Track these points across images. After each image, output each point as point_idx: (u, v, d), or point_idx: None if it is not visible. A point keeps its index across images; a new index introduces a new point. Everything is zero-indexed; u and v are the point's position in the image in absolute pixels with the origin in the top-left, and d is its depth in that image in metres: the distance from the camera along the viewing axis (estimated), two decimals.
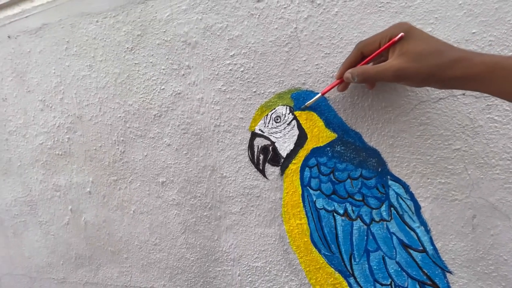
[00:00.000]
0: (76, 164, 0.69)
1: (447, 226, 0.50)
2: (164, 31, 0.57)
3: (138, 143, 0.63)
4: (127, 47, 0.60)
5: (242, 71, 0.53)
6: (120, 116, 0.63)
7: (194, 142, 0.59)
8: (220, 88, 0.55)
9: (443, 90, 0.45)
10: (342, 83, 0.45)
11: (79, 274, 0.77)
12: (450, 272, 0.52)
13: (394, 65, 0.33)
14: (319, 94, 0.49)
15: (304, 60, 0.50)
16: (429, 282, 0.53)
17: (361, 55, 0.40)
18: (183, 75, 0.56)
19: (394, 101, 0.48)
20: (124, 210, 0.68)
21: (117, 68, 0.62)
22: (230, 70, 0.53)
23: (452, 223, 0.50)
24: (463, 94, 0.45)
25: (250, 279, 0.63)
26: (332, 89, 0.47)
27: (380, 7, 0.46)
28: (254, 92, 0.53)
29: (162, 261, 0.68)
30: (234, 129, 0.56)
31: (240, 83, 0.53)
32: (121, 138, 0.64)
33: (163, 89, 0.58)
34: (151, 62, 0.58)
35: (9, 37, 0.68)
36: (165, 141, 0.61)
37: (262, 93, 0.53)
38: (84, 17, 0.62)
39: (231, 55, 0.53)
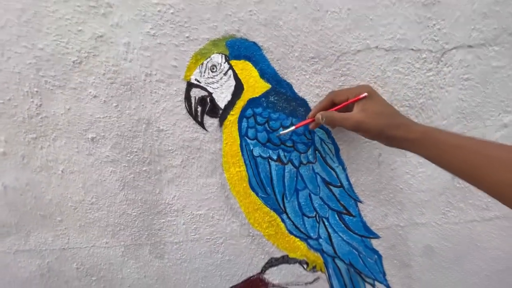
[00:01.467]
0: None
1: (359, 164, 0.60)
2: None
3: (57, 94, 0.56)
4: None
5: (172, 13, 0.49)
6: (31, 63, 0.54)
7: (124, 93, 0.55)
8: (148, 32, 0.50)
9: (361, 42, 0.50)
10: (313, 122, 0.49)
11: (7, 243, 0.71)
12: (361, 202, 0.64)
13: (355, 117, 0.41)
14: (293, 127, 0.51)
15: (238, 5, 0.49)
16: (345, 212, 0.64)
17: (331, 102, 0.47)
18: (103, 14, 0.49)
19: (320, 52, 0.52)
20: (51, 170, 0.62)
21: (19, 3, 0.51)
22: (159, 11, 0.49)
23: (363, 161, 0.60)
24: (376, 47, 0.51)
25: (194, 226, 0.67)
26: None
27: None
28: (187, 37, 0.51)
29: (101, 220, 0.67)
30: (167, 78, 0.53)
31: (171, 27, 0.50)
32: (35, 89, 0.56)
33: (81, 30, 0.51)
34: None
35: None
36: (90, 92, 0.55)
37: (196, 39, 0.51)
38: None
39: None
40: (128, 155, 0.60)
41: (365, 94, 0.42)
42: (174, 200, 0.65)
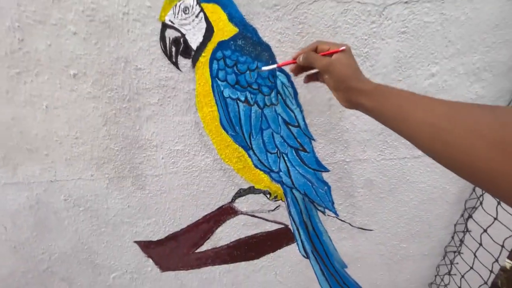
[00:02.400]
0: None
1: (313, 107, 0.70)
2: None
3: (38, 30, 0.59)
4: None
5: None
6: None
7: (103, 31, 0.60)
8: None
9: None
10: (295, 63, 0.53)
11: None
12: (314, 140, 0.75)
13: (327, 60, 0.47)
14: (275, 65, 0.55)
15: None
16: (301, 148, 0.76)
17: (314, 50, 0.50)
18: None
19: (282, 0, 0.59)
20: (35, 105, 0.67)
21: None
22: None
23: (317, 104, 0.70)
24: None
25: (172, 160, 0.76)
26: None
27: None
28: None
29: (86, 153, 0.74)
30: (143, 18, 0.59)
31: None
32: (17, 24, 0.59)
33: None
34: None
35: None
36: (70, 28, 0.59)
37: None
38: None
39: None
40: (109, 92, 0.66)
41: (344, 47, 0.47)
42: (153, 136, 0.73)
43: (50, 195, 0.80)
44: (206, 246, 0.94)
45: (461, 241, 0.92)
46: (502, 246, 0.76)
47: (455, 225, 0.92)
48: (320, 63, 0.48)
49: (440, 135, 0.32)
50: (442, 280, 1.02)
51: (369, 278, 1.04)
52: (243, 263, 0.98)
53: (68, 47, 0.61)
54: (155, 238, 0.90)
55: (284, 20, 0.60)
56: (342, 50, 0.47)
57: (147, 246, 0.92)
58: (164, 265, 0.97)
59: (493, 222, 0.77)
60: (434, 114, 0.33)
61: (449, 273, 1.00)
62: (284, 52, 0.63)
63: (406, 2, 0.60)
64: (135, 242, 0.91)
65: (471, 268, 0.85)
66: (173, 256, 0.94)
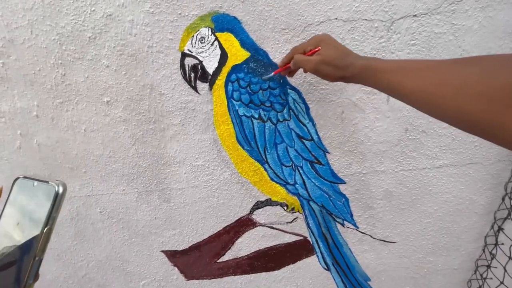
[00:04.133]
0: (16, 89, 0.72)
1: (326, 120, 0.72)
2: None
3: (78, 65, 0.69)
4: None
5: None
6: (54, 39, 0.66)
7: (131, 63, 0.67)
8: (148, 10, 0.62)
9: (322, 14, 0.60)
10: (288, 68, 0.58)
11: None
12: (328, 152, 0.76)
13: (315, 59, 0.50)
14: (272, 73, 0.62)
15: None
16: (315, 161, 0.77)
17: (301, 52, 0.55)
18: None
19: (290, 24, 0.62)
20: (75, 129, 0.77)
21: None
22: None
23: (329, 118, 0.72)
24: (336, 19, 0.61)
25: (194, 175, 0.82)
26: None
27: None
28: (179, 14, 0.62)
29: (118, 171, 0.82)
30: (165, 49, 0.65)
31: (166, 5, 0.61)
32: (59, 61, 0.68)
33: (94, 10, 0.62)
34: None
35: None
36: (104, 62, 0.68)
37: (187, 15, 0.62)
38: None
39: None
40: (137, 115, 0.74)
41: (319, 48, 0.51)
42: (176, 153, 0.79)
43: (88, 208, 0.89)
44: (228, 257, 0.98)
45: (492, 254, 0.87)
46: None
47: (485, 237, 0.87)
48: (310, 64, 0.51)
49: (431, 99, 0.33)
50: None
51: None
52: (264, 273, 1.00)
53: (102, 78, 0.70)
54: (180, 248, 0.96)
55: (293, 41, 0.64)
56: (318, 50, 0.51)
57: (173, 255, 0.98)
58: (189, 274, 1.02)
59: None
60: (423, 82, 0.35)
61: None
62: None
63: (415, 15, 0.60)
64: (162, 251, 0.97)
65: (501, 283, 0.80)
66: (196, 265, 0.99)
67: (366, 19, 0.61)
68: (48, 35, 0.66)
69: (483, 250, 0.90)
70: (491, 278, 0.90)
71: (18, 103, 0.74)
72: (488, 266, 0.90)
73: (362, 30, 0.62)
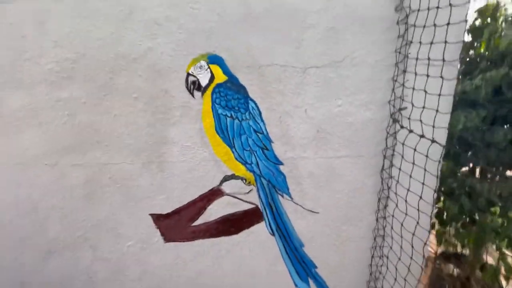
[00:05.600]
0: (76, 84, 1.13)
1: (271, 121, 1.18)
2: None
3: (122, 73, 1.12)
4: None
5: (184, 41, 1.09)
6: (112, 56, 1.10)
7: (156, 76, 1.12)
8: (173, 48, 1.09)
9: (269, 59, 1.12)
10: None
11: (69, 158, 1.21)
12: (273, 142, 1.21)
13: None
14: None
15: (215, 41, 1.09)
16: (265, 148, 1.21)
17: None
18: (153, 38, 1.08)
19: (250, 64, 1.12)
20: (109, 114, 1.16)
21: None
22: (178, 39, 1.09)
23: (273, 120, 1.18)
24: (276, 64, 1.12)
25: (183, 153, 1.21)
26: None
27: None
28: (190, 52, 1.10)
29: (131, 145, 1.19)
30: (179, 70, 1.12)
31: (183, 47, 1.09)
32: (111, 70, 1.12)
33: (140, 44, 1.09)
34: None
35: None
36: (139, 73, 1.12)
37: (193, 53, 1.10)
38: None
39: (178, 32, 1.09)
40: (153, 108, 1.16)
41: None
42: (174, 136, 1.19)
43: (101, 174, 1.23)
44: (199, 221, 1.31)
45: (383, 225, 1.29)
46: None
47: (376, 212, 1.30)
48: None
49: None
50: (377, 263, 1.34)
51: (322, 257, 1.36)
52: (225, 238, 1.33)
53: (136, 83, 1.13)
54: (164, 212, 1.28)
55: (253, 73, 1.13)
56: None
57: (158, 218, 1.29)
58: (168, 236, 1.32)
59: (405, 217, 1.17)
60: None
61: (381, 256, 1.33)
62: (253, 90, 1.14)
63: (317, 67, 1.13)
64: (150, 214, 1.28)
65: (390, 248, 1.21)
66: (175, 228, 1.30)
67: (292, 66, 1.13)
68: (107, 53, 1.10)
69: (376, 221, 1.32)
70: (385, 246, 1.30)
71: (73, 93, 1.14)
72: (382, 236, 1.31)
73: (290, 72, 1.13)
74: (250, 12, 1.08)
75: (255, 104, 1.17)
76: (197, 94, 1.15)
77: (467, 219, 1.36)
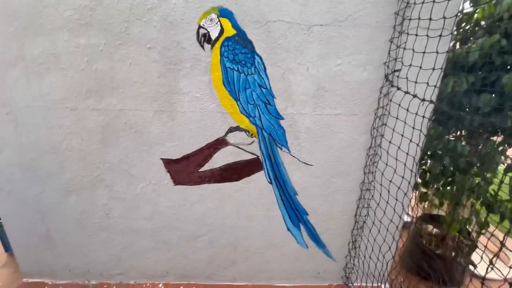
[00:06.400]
0: (92, 32, 1.20)
1: (274, 78, 1.27)
2: None
3: (136, 23, 1.19)
4: None
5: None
6: (127, 6, 1.16)
7: (169, 26, 1.19)
8: (186, 0, 1.15)
9: (275, 17, 1.18)
10: None
11: (88, 103, 1.31)
12: (275, 97, 1.31)
13: None
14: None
15: None
16: (267, 102, 1.31)
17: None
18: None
19: (258, 19, 1.19)
20: (124, 62, 1.24)
21: None
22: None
23: (276, 76, 1.27)
24: (282, 20, 1.19)
25: (193, 103, 1.31)
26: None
27: None
28: (201, 5, 1.16)
29: (144, 94, 1.29)
30: (191, 21, 1.18)
31: (196, 0, 1.15)
32: (127, 19, 1.18)
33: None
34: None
35: None
36: (153, 24, 1.19)
37: (205, 6, 1.16)
38: None
39: None
40: (165, 58, 1.24)
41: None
42: (184, 86, 1.29)
43: (117, 119, 1.34)
44: (206, 167, 1.45)
45: (370, 181, 1.44)
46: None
47: (363, 168, 1.44)
48: None
49: None
50: (361, 213, 1.51)
51: (312, 206, 1.53)
52: (228, 184, 1.48)
53: (149, 32, 1.20)
54: (174, 157, 1.42)
55: (260, 29, 1.20)
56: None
57: (168, 163, 1.43)
58: (177, 180, 1.47)
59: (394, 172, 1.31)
60: None
61: (366, 206, 1.49)
62: (259, 45, 1.22)
63: (321, 25, 1.20)
64: (161, 159, 1.42)
65: (377, 205, 1.36)
66: (183, 172, 1.45)
67: (297, 23, 1.19)
68: (124, 3, 1.16)
69: (364, 175, 1.46)
70: (371, 198, 1.46)
71: (91, 40, 1.21)
72: (368, 189, 1.46)
73: (295, 29, 1.20)
74: None
75: (261, 59, 1.25)
76: (207, 46, 1.23)
77: (448, 179, 1.51)
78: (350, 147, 1.42)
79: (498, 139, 1.36)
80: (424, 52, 1.10)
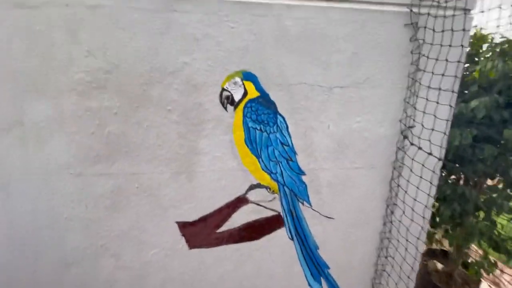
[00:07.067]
0: (106, 94, 1.12)
1: (296, 135, 1.27)
2: None
3: (156, 85, 1.13)
4: None
5: (221, 58, 1.13)
6: (146, 69, 1.11)
7: (192, 89, 1.15)
8: (209, 64, 1.13)
9: (297, 80, 1.20)
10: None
11: (96, 168, 1.19)
12: (297, 154, 1.30)
13: None
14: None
15: (249, 60, 1.15)
16: (290, 159, 1.30)
17: None
18: (190, 53, 1.11)
19: (281, 82, 1.20)
20: (140, 125, 1.16)
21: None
22: (215, 55, 1.13)
23: (298, 134, 1.27)
24: (304, 83, 1.21)
25: (213, 162, 1.25)
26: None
27: None
28: (226, 69, 1.15)
29: (162, 156, 1.21)
30: (214, 85, 1.16)
31: (219, 63, 1.13)
32: (146, 82, 1.12)
33: (177, 59, 1.11)
34: None
35: (67, 5, 1.03)
36: (175, 87, 1.14)
37: (229, 69, 1.15)
38: None
39: (216, 50, 1.13)
40: (186, 120, 1.19)
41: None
42: (205, 146, 1.23)
43: (128, 184, 1.23)
44: (224, 228, 1.36)
45: (389, 230, 1.45)
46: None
47: (384, 217, 1.46)
48: None
49: None
50: (382, 262, 1.50)
51: (333, 258, 1.49)
52: (247, 243, 1.40)
53: (170, 96, 1.15)
54: (191, 220, 1.32)
55: (283, 91, 1.21)
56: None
57: (183, 226, 1.33)
58: (192, 243, 1.36)
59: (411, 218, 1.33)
60: None
61: (386, 256, 1.49)
62: (281, 106, 1.22)
63: (341, 87, 1.24)
64: (176, 222, 1.31)
65: (396, 250, 1.37)
66: (200, 235, 1.35)
67: (319, 85, 1.22)
68: (144, 67, 1.11)
69: (384, 225, 1.47)
70: (390, 248, 1.46)
71: (104, 103, 1.13)
72: (388, 238, 1.47)
73: (317, 90, 1.23)
74: (285, 35, 1.15)
75: (283, 118, 1.25)
76: (230, 108, 1.20)
77: (456, 222, 1.58)
78: (369, 197, 1.43)
79: (500, 185, 1.47)
80: (434, 115, 1.19)
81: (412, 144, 1.29)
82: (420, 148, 1.26)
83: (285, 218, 1.38)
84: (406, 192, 1.34)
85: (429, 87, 1.21)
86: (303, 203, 1.38)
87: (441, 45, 1.16)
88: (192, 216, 1.32)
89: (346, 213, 1.43)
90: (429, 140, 1.21)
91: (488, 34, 1.51)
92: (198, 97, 1.17)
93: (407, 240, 1.36)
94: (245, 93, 1.19)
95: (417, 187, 1.28)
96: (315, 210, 1.40)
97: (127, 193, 1.24)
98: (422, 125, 1.24)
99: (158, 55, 1.11)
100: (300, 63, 1.19)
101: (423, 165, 1.25)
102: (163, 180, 1.24)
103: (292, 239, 1.42)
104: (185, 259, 1.37)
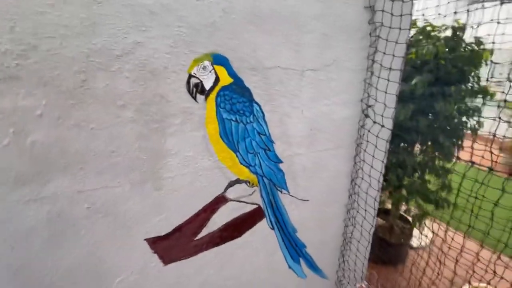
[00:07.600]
0: (24, 88, 0.78)
1: (272, 123, 1.20)
2: None
3: (100, 74, 0.85)
4: None
5: (184, 36, 0.92)
6: (83, 52, 0.82)
7: (149, 77, 0.92)
8: (170, 44, 0.91)
9: (272, 64, 1.11)
10: None
11: (19, 194, 0.85)
12: (274, 143, 1.24)
13: None
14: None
15: (219, 39, 0.98)
16: (267, 149, 1.23)
17: None
18: (144, 30, 0.87)
19: (255, 66, 1.08)
20: (82, 128, 0.87)
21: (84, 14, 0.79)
22: (177, 33, 0.91)
23: (274, 122, 1.20)
24: (278, 67, 1.13)
25: (184, 164, 1.07)
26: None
27: None
28: (191, 50, 0.95)
29: (117, 164, 0.95)
30: (178, 70, 0.95)
31: (183, 44, 0.93)
32: (83, 69, 0.83)
33: (126, 37, 0.85)
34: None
35: None
36: (125, 74, 0.88)
37: (196, 51, 0.96)
38: None
39: (178, 26, 0.91)
40: (145, 116, 0.95)
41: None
42: (173, 146, 1.03)
43: (74, 205, 0.93)
44: (203, 233, 1.22)
45: (355, 201, 1.59)
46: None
47: (348, 190, 1.58)
48: None
49: None
50: (347, 231, 1.65)
51: (309, 238, 1.55)
52: (228, 243, 1.30)
53: (120, 87, 0.89)
54: (163, 233, 1.12)
55: (257, 76, 1.10)
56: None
57: (154, 242, 1.12)
58: (167, 258, 1.17)
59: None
60: None
61: (353, 224, 1.64)
62: (256, 92, 1.12)
63: (312, 70, 1.21)
64: (145, 239, 1.09)
65: (364, 218, 1.51)
66: (176, 247, 1.17)
67: (292, 69, 1.16)
68: (78, 48, 0.81)
69: (349, 197, 1.60)
70: (354, 217, 1.61)
71: (21, 102, 0.79)
72: (352, 208, 1.61)
73: (290, 73, 1.17)
74: (256, 12, 1.02)
75: (259, 106, 1.15)
76: (201, 97, 1.02)
77: (399, 184, 1.86)
78: (336, 177, 1.51)
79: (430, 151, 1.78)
80: (385, 92, 1.31)
81: (374, 122, 1.39)
82: (375, 122, 1.38)
83: (265, 209, 1.33)
84: (364, 161, 1.47)
85: (381, 65, 1.31)
86: (281, 191, 1.35)
87: (390, 27, 1.25)
88: (163, 229, 1.12)
89: (319, 194, 1.48)
90: (382, 115, 1.34)
91: (415, 19, 1.73)
92: (158, 87, 0.94)
93: (366, 203, 1.52)
94: (217, 80, 1.03)
95: (373, 156, 1.42)
96: (292, 196, 1.39)
97: (74, 218, 0.95)
98: (376, 100, 1.36)
99: (98, 31, 0.82)
100: (273, 44, 1.09)
101: (377, 136, 1.38)
102: (122, 194, 0.99)
103: (272, 228, 1.39)
104: (161, 278, 1.18)
